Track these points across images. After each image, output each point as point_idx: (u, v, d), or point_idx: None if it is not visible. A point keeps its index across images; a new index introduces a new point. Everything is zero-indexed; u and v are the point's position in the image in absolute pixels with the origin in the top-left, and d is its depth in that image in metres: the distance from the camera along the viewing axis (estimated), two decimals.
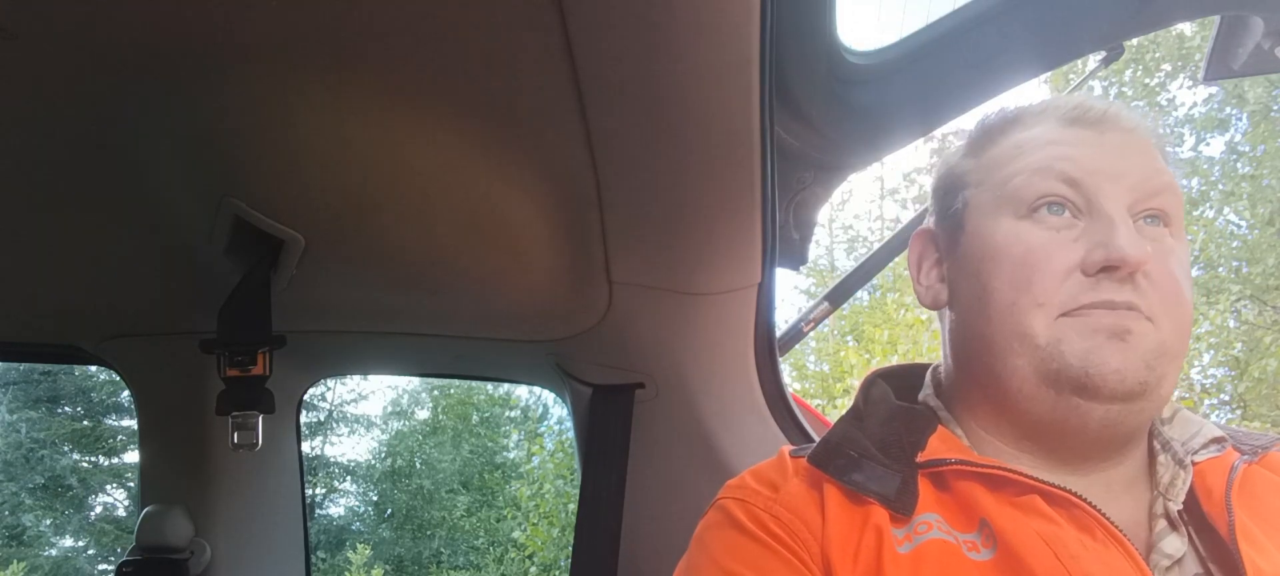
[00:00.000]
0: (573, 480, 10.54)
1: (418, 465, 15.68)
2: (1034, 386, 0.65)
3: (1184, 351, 0.67)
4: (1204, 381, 9.46)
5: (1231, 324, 9.07)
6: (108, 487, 13.53)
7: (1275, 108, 9.41)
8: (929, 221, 0.83)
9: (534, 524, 11.03)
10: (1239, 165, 9.85)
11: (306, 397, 1.57)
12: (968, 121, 0.83)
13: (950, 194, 0.78)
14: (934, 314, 0.83)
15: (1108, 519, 0.62)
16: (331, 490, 15.72)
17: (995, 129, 0.78)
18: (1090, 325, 0.64)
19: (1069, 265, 0.65)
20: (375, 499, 15.99)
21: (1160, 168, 0.70)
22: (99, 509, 13.42)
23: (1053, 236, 0.67)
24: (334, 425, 15.98)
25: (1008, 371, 0.67)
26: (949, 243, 0.77)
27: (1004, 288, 0.67)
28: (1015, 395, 0.67)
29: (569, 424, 1.42)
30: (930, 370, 0.82)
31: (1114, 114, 0.72)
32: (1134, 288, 0.64)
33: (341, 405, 15.99)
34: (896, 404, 0.77)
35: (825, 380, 10.86)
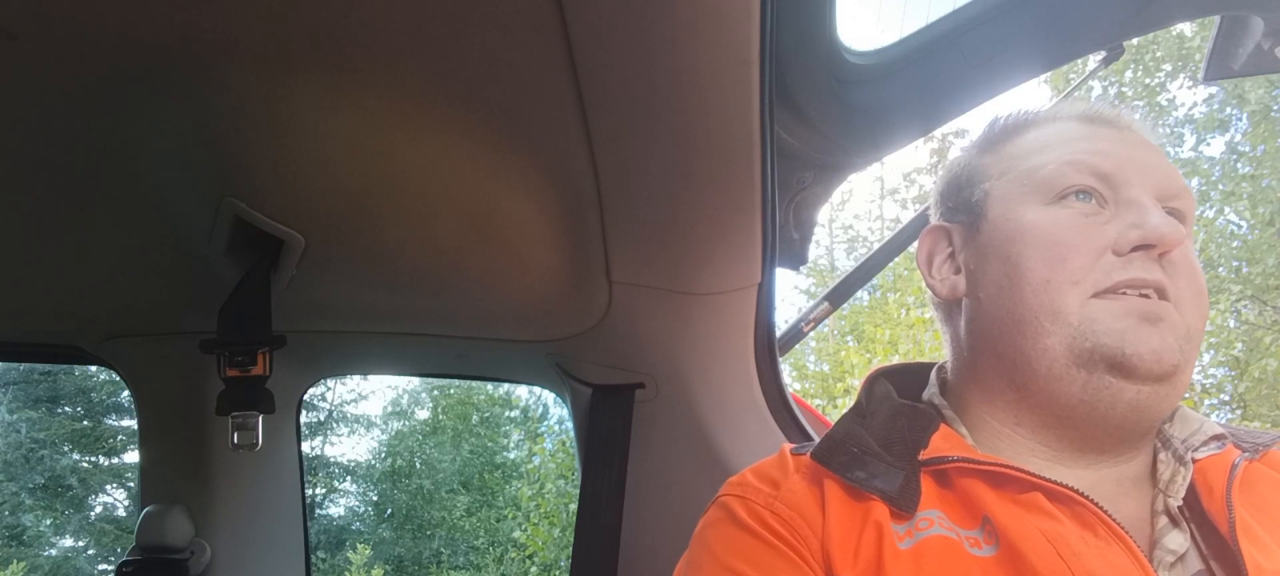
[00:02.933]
0: (574, 480, 10.54)
1: (418, 465, 15.69)
2: (1064, 366, 0.65)
3: (1201, 341, 0.68)
4: (1204, 381, 9.46)
5: (1231, 324, 9.08)
6: (108, 487, 13.53)
7: (1275, 108, 9.41)
8: (936, 219, 0.83)
9: (534, 524, 11.04)
10: (1239, 165, 9.85)
11: (306, 397, 1.57)
12: (968, 121, 0.84)
13: (967, 187, 0.79)
14: (934, 315, 0.83)
15: (1110, 516, 0.62)
16: (331, 490, 15.72)
17: (1011, 127, 0.80)
18: (1124, 307, 0.65)
19: (1101, 245, 0.67)
20: (375, 499, 15.99)
21: (1176, 171, 0.72)
22: (99, 509, 13.42)
23: (1084, 219, 0.68)
24: (334, 425, 15.98)
25: (1038, 352, 0.67)
26: (967, 233, 0.77)
27: (1037, 265, 0.68)
28: (1044, 376, 0.67)
29: (569, 423, 1.42)
30: (935, 369, 0.82)
31: (1128, 117, 0.76)
32: (1163, 270, 0.66)
33: (341, 405, 16.01)
34: (899, 402, 0.78)
35: (825, 380, 10.86)
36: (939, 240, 0.81)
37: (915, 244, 0.88)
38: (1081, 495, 0.63)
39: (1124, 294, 0.65)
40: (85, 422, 13.30)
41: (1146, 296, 0.65)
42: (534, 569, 11.16)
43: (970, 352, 0.75)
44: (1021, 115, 0.80)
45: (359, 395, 16.02)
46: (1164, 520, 0.65)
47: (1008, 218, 0.72)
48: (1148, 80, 10.42)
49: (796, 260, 1.22)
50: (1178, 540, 0.63)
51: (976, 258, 0.75)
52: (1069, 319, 0.65)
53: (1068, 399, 0.66)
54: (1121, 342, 0.63)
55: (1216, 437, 0.69)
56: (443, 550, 14.85)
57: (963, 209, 0.78)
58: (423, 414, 16.79)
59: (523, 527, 11.32)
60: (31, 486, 12.56)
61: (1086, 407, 0.66)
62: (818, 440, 0.76)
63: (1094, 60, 1.33)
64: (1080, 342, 0.65)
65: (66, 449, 13.03)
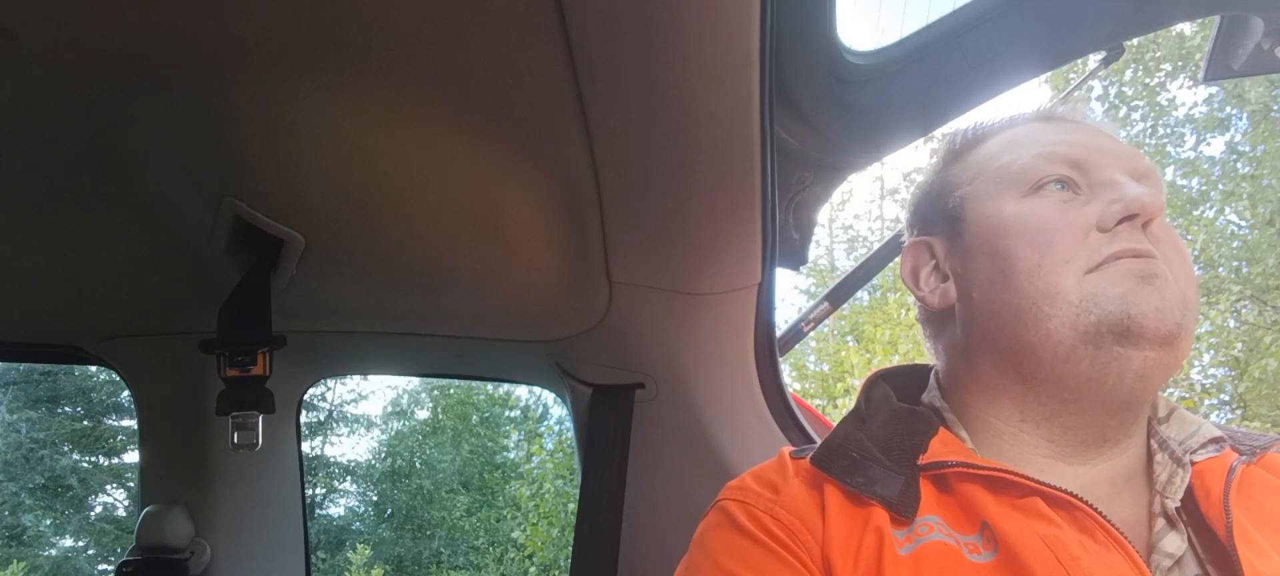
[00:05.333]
0: (573, 480, 10.54)
1: (417, 465, 15.68)
2: (1070, 347, 0.65)
3: (1197, 310, 0.68)
4: (1204, 381, 9.45)
5: (1231, 324, 9.07)
6: (108, 487, 13.53)
7: (1275, 108, 9.40)
8: (912, 237, 0.83)
9: (533, 524, 11.03)
10: (1239, 165, 9.85)
11: (306, 397, 1.57)
12: (968, 121, 0.85)
13: (940, 198, 0.79)
14: (922, 331, 0.84)
15: (1109, 521, 0.62)
16: (331, 490, 15.72)
17: (973, 138, 0.81)
18: (1120, 272, 0.65)
19: (1086, 225, 0.67)
20: (375, 499, 15.99)
21: (1141, 154, 0.73)
22: (99, 509, 13.42)
23: (1063, 205, 0.69)
24: (334, 425, 15.98)
25: (1041, 337, 0.66)
26: (949, 241, 0.77)
27: (1027, 253, 0.68)
28: (1051, 360, 0.66)
29: (569, 424, 1.42)
30: (934, 371, 0.82)
31: (1082, 110, 0.78)
32: (1148, 241, 0.66)
33: (341, 405, 16.00)
34: (898, 405, 0.77)
35: (825, 380, 10.86)
36: (921, 253, 0.81)
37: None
38: (1080, 500, 0.63)
39: (1117, 261, 0.66)
40: (85, 422, 13.30)
41: (1139, 256, 0.66)
42: (533, 569, 11.15)
43: (968, 356, 0.75)
44: (980, 127, 0.81)
45: (359, 395, 16.03)
46: (1161, 522, 0.65)
47: (988, 215, 0.73)
48: (1148, 80, 10.41)
49: (796, 260, 1.22)
50: (1175, 542, 0.63)
51: (963, 261, 0.75)
52: (1068, 298, 0.65)
53: (1077, 378, 0.66)
54: (1125, 305, 0.63)
55: (1214, 440, 0.69)
56: (443, 550, 14.84)
57: (940, 219, 0.79)
58: (423, 414, 16.79)
59: (522, 528, 11.32)
60: (31, 486, 12.55)
61: (1095, 384, 0.65)
62: (818, 442, 0.76)
63: (1094, 60, 1.33)
64: (1083, 318, 0.64)
65: (66, 449, 13.02)
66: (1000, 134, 0.79)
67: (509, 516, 13.51)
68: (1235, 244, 9.57)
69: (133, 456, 13.14)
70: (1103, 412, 0.67)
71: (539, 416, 16.24)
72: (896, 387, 0.81)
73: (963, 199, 0.76)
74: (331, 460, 15.87)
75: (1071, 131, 0.74)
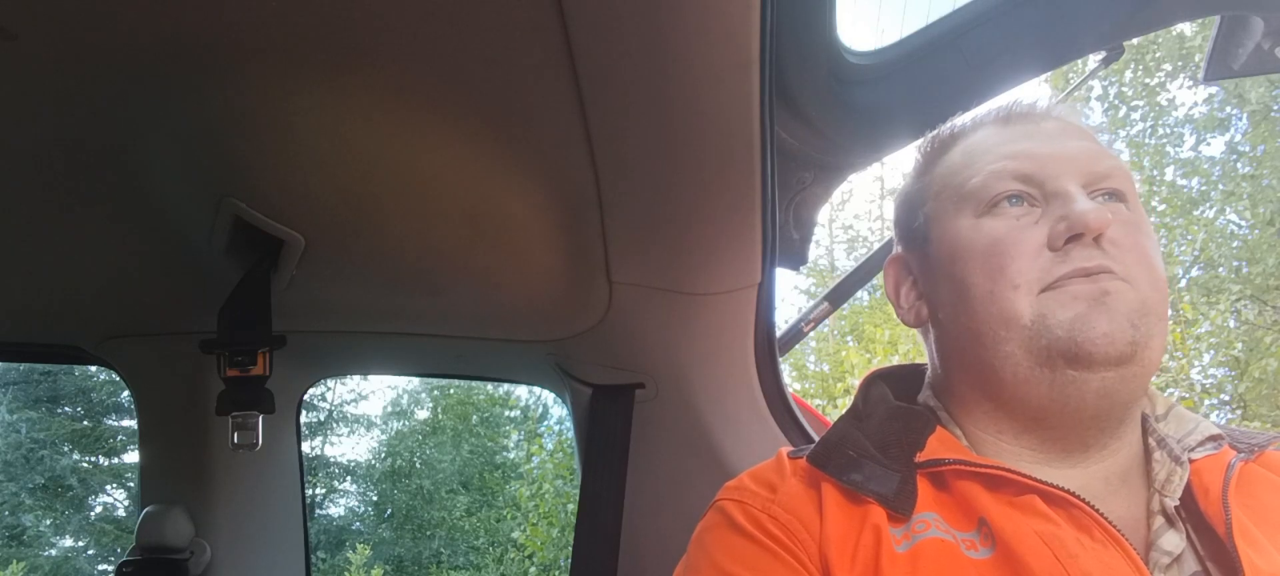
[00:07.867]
0: (573, 480, 10.54)
1: (417, 465, 15.68)
2: (1028, 369, 0.66)
3: (1165, 313, 0.68)
4: (1204, 381, 9.44)
5: (1231, 324, 9.06)
6: (108, 487, 13.52)
7: (1275, 108, 9.40)
8: (897, 249, 0.84)
9: (533, 524, 11.03)
10: (1239, 165, 9.84)
11: (306, 397, 1.57)
12: (940, 127, 0.85)
13: (911, 214, 0.80)
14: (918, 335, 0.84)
15: (1106, 518, 0.62)
16: (331, 490, 15.71)
17: (940, 146, 0.81)
18: (1070, 294, 0.65)
19: (1037, 244, 0.67)
20: (375, 499, 15.98)
21: (1103, 151, 0.72)
22: (99, 509, 13.42)
23: (1015, 223, 0.69)
24: (334, 425, 15.97)
25: (1000, 360, 0.67)
26: (920, 259, 0.78)
27: (979, 278, 0.68)
28: (1011, 382, 0.67)
29: (569, 424, 1.42)
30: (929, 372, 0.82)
31: (1043, 106, 0.77)
32: (1103, 252, 0.65)
33: (341, 405, 15.99)
34: (896, 404, 0.78)
35: (825, 380, 10.85)
36: (901, 270, 0.82)
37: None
38: (1077, 497, 0.63)
39: (1068, 282, 0.65)
40: (85, 422, 13.29)
41: (1089, 275, 0.65)
42: (533, 569, 11.15)
43: (944, 371, 0.76)
44: (948, 132, 0.81)
45: (359, 395, 16.02)
46: (1160, 520, 0.65)
47: (945, 238, 0.73)
48: (1148, 80, 10.40)
49: (796, 260, 1.22)
50: (1173, 541, 0.63)
51: (930, 282, 0.76)
52: (1021, 321, 0.66)
53: (1038, 400, 0.67)
54: (1072, 332, 0.63)
55: (1213, 438, 0.69)
56: (442, 550, 14.83)
57: (913, 236, 0.80)
58: (423, 414, 16.79)
59: (522, 528, 11.31)
60: (31, 486, 12.54)
61: (1057, 405, 0.66)
62: (816, 441, 0.76)
63: (1094, 60, 1.33)
64: (1036, 342, 0.65)
65: (66, 449, 13.01)
66: (962, 142, 0.78)
67: (509, 516, 13.51)
68: (1235, 244, 9.56)
69: (133, 456, 13.13)
70: (1074, 426, 0.67)
71: (539, 416, 16.21)
72: (894, 387, 0.82)
73: (928, 217, 0.77)
74: (331, 460, 15.87)
75: (1029, 137, 0.73)
